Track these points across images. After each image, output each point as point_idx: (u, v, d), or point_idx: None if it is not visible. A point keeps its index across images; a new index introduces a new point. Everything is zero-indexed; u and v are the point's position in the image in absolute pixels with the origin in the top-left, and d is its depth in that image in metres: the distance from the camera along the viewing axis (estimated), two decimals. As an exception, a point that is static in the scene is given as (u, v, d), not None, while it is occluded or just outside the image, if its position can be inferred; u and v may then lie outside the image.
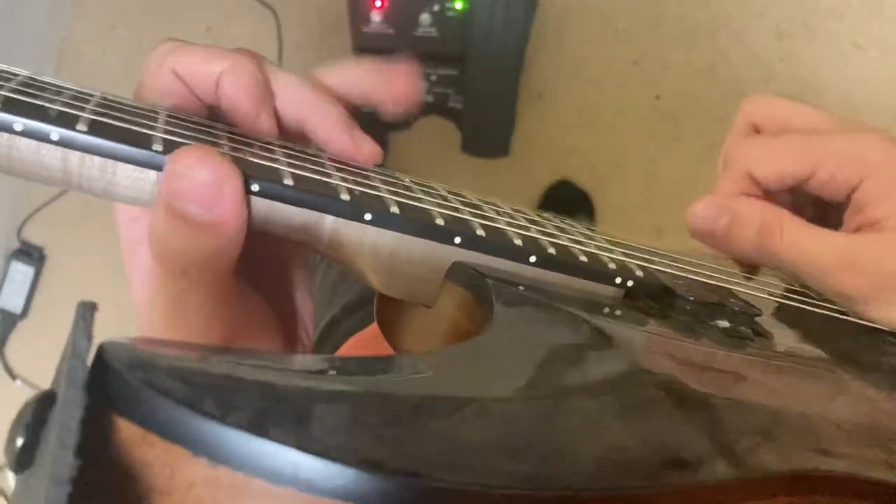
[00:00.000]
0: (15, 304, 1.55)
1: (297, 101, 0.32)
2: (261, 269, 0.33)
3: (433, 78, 1.39)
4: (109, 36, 1.56)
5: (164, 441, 0.16)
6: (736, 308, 0.32)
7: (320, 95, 0.32)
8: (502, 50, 1.33)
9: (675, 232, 1.38)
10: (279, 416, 0.16)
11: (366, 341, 0.53)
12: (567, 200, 1.41)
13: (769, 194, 0.38)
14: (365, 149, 0.32)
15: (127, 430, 0.17)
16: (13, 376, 1.54)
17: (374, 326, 0.34)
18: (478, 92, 1.38)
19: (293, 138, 0.33)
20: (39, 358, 1.54)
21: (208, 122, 0.30)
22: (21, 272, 1.55)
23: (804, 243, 0.35)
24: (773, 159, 0.37)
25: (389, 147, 1.44)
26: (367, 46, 1.38)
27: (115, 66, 1.54)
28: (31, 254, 1.56)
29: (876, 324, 0.36)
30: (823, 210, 0.38)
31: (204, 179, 0.24)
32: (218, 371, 0.17)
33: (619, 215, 1.39)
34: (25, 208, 1.54)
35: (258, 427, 0.16)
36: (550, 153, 1.42)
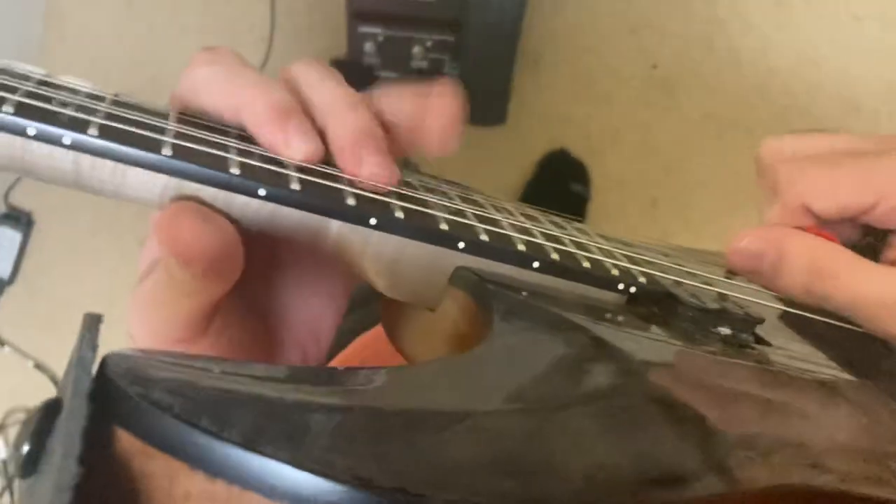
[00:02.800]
0: (2, 269, 1.54)
1: (326, 103, 0.30)
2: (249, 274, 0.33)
3: (428, 44, 1.37)
4: (100, -2, 1.54)
5: (162, 454, 0.17)
6: (738, 315, 0.32)
7: (345, 98, 0.30)
8: (500, 16, 1.31)
9: (669, 202, 1.38)
10: (273, 431, 0.17)
11: (371, 343, 0.53)
12: (563, 170, 1.40)
13: (822, 223, 0.35)
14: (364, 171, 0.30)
15: (127, 442, 0.17)
16: (1, 343, 1.55)
17: (376, 330, 0.34)
18: (474, 58, 1.37)
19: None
20: (27, 325, 1.54)
21: (219, 127, 0.30)
22: (8, 237, 1.53)
23: (861, 286, 0.32)
24: (834, 192, 0.33)
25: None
26: (362, 10, 1.36)
27: (104, 29, 1.52)
28: (18, 219, 1.54)
29: None
30: (863, 233, 0.36)
31: (171, 252, 0.25)
32: (216, 386, 0.18)
33: (614, 185, 1.39)
34: (13, 172, 1.53)
35: (252, 443, 0.16)
36: (546, 121, 1.41)
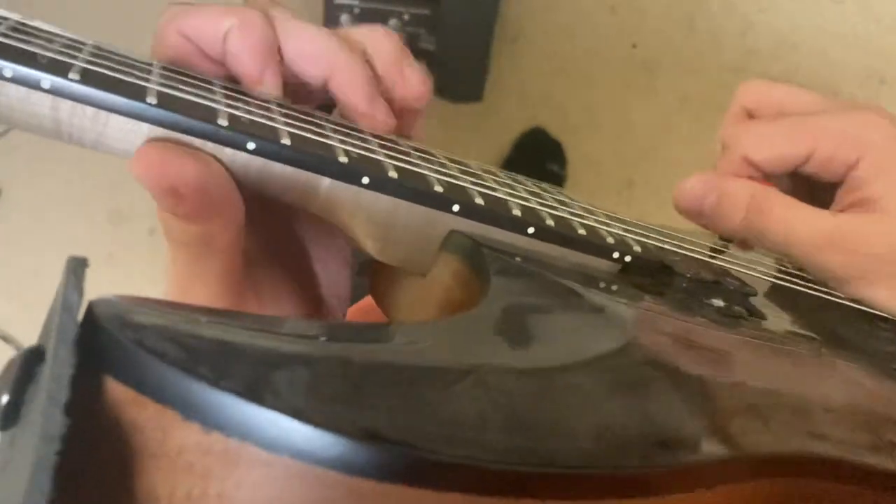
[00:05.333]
0: (-30, 239, 1.52)
1: (314, 55, 0.31)
2: (281, 236, 0.33)
3: (405, 17, 1.36)
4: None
5: (155, 403, 0.16)
6: (731, 287, 0.32)
7: (344, 51, 0.31)
8: (478, -10, 1.31)
9: (645, 185, 1.38)
10: (275, 382, 0.16)
11: (357, 317, 0.53)
12: (539, 149, 1.40)
13: (768, 178, 0.38)
14: (379, 116, 0.31)
15: (117, 391, 0.16)
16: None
17: (367, 300, 0.33)
18: (451, 33, 1.36)
19: (304, 97, 0.32)
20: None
21: (205, 77, 0.30)
22: (-24, 207, 1.51)
23: (793, 221, 0.35)
24: (771, 143, 0.37)
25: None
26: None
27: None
28: (-15, 189, 1.51)
29: (860, 303, 0.37)
30: (816, 191, 0.39)
31: (157, 186, 0.25)
32: (213, 334, 0.17)
33: (590, 166, 1.39)
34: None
35: (253, 393, 0.15)
36: (524, 100, 1.41)
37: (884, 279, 0.35)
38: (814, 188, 0.38)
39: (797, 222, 0.35)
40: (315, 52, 0.31)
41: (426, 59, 1.39)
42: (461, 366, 0.19)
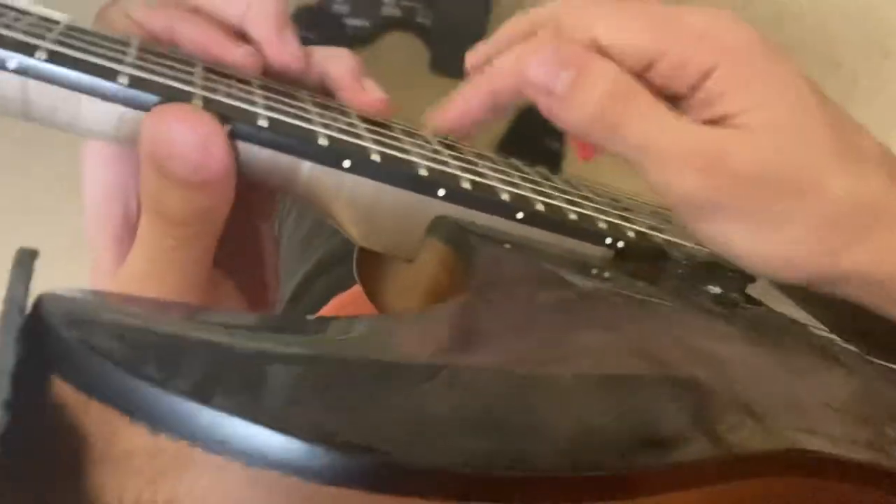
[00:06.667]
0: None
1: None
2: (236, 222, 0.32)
3: (402, -9, 1.34)
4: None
5: (100, 405, 0.15)
6: (729, 274, 0.31)
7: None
8: (475, -38, 1.29)
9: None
10: (227, 381, 0.15)
11: (350, 303, 0.51)
12: (536, 125, 1.38)
13: None
14: (287, 48, 0.30)
15: (62, 391, 0.15)
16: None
17: (350, 292, 0.32)
18: (448, 7, 1.34)
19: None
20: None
21: (183, 56, 0.29)
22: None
23: (655, 122, 0.28)
24: (628, 27, 0.29)
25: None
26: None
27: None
28: (-30, 173, 1.50)
29: (708, 246, 0.31)
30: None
31: (187, 142, 0.23)
32: (164, 330, 0.16)
33: (588, 141, 1.37)
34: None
35: (203, 393, 0.15)
36: (521, 74, 1.39)
37: (743, 214, 0.29)
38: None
39: (659, 124, 0.28)
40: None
41: (423, 35, 1.37)
42: (433, 363, 0.18)
